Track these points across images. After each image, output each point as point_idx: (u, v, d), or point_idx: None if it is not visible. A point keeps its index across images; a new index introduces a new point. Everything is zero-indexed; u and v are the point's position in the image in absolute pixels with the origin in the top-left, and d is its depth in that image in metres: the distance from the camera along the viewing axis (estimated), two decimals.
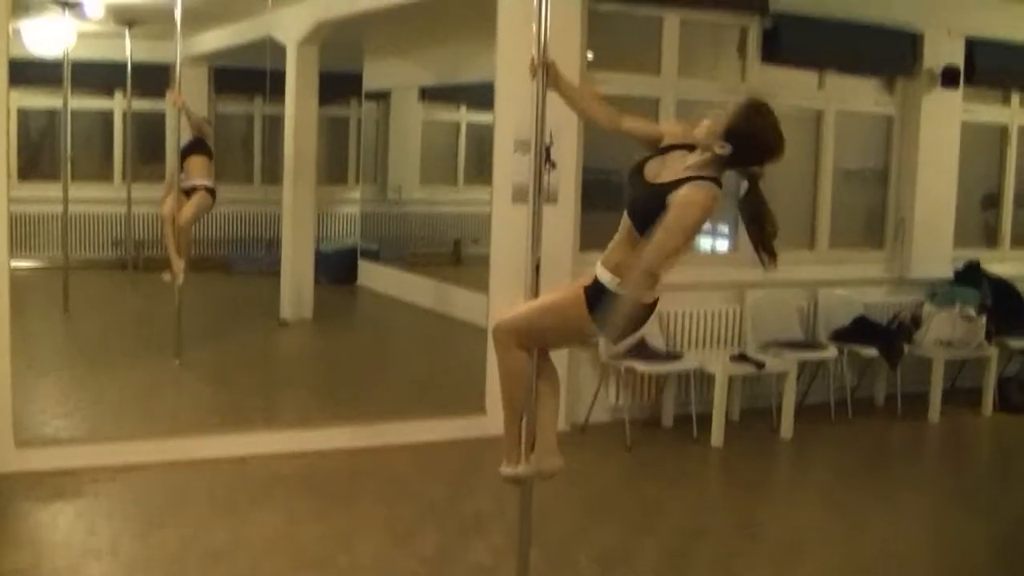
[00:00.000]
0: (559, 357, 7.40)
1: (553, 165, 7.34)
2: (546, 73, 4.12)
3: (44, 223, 9.22)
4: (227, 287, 10.11)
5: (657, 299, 4.13)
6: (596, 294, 4.09)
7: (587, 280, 4.17)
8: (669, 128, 4.26)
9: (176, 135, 8.62)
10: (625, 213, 4.08)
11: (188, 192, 8.63)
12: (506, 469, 4.41)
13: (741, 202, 4.01)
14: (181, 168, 8.64)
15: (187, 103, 8.45)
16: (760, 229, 3.99)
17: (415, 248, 12.07)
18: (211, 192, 8.76)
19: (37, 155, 10.16)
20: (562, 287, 4.37)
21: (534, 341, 4.26)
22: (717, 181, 3.90)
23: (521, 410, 4.30)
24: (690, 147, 4.00)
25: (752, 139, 3.86)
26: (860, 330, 8.82)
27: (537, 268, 4.21)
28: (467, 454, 7.20)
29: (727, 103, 4.00)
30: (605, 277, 4.07)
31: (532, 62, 4.12)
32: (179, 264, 8.47)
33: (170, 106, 8.57)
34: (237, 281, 10.10)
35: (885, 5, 8.87)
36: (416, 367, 9.50)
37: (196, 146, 8.68)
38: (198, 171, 8.71)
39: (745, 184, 3.99)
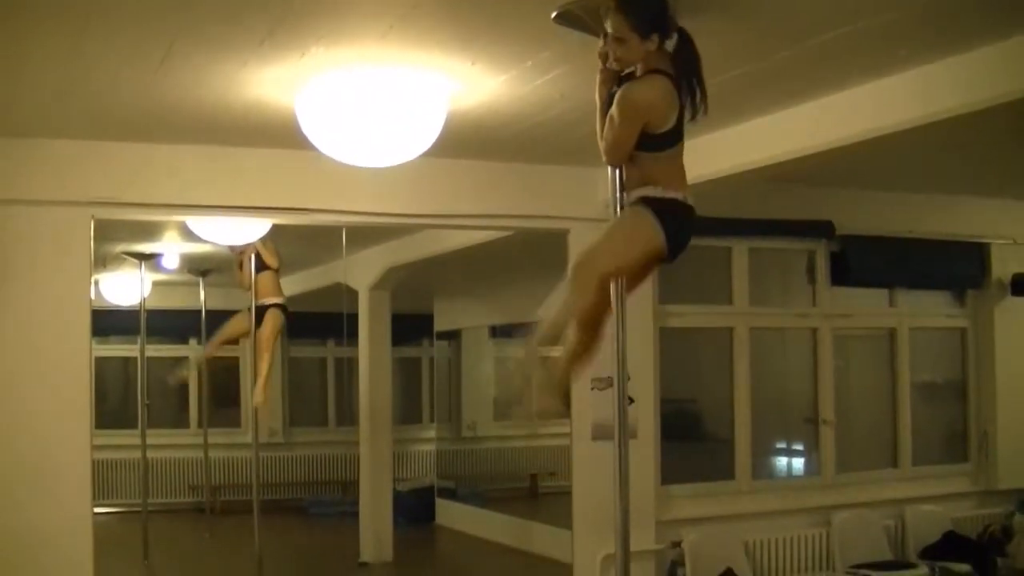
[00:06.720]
0: None
1: (631, 400, 7.31)
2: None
3: (122, 469, 9.31)
4: (305, 531, 10.09)
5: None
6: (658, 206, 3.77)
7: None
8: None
9: (249, 380, 8.61)
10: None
11: (258, 311, 8.09)
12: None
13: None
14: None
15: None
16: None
17: (491, 484, 11.99)
18: (282, 308, 8.21)
19: (114, 402, 10.32)
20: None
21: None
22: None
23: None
24: None
25: None
26: (950, 546, 8.57)
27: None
28: None
29: None
30: (655, 192, 3.75)
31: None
32: (260, 394, 8.09)
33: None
34: (314, 524, 10.08)
35: (949, 220, 8.89)
36: None
37: (261, 264, 8.13)
38: (268, 288, 8.21)
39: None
